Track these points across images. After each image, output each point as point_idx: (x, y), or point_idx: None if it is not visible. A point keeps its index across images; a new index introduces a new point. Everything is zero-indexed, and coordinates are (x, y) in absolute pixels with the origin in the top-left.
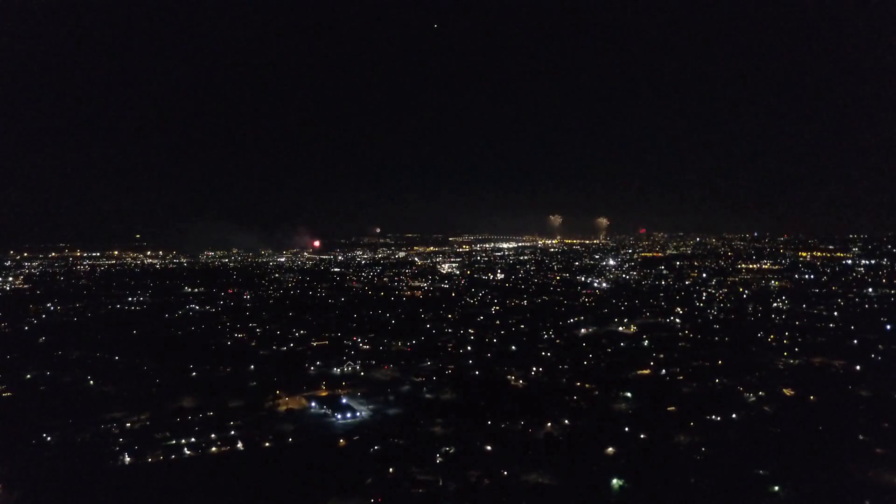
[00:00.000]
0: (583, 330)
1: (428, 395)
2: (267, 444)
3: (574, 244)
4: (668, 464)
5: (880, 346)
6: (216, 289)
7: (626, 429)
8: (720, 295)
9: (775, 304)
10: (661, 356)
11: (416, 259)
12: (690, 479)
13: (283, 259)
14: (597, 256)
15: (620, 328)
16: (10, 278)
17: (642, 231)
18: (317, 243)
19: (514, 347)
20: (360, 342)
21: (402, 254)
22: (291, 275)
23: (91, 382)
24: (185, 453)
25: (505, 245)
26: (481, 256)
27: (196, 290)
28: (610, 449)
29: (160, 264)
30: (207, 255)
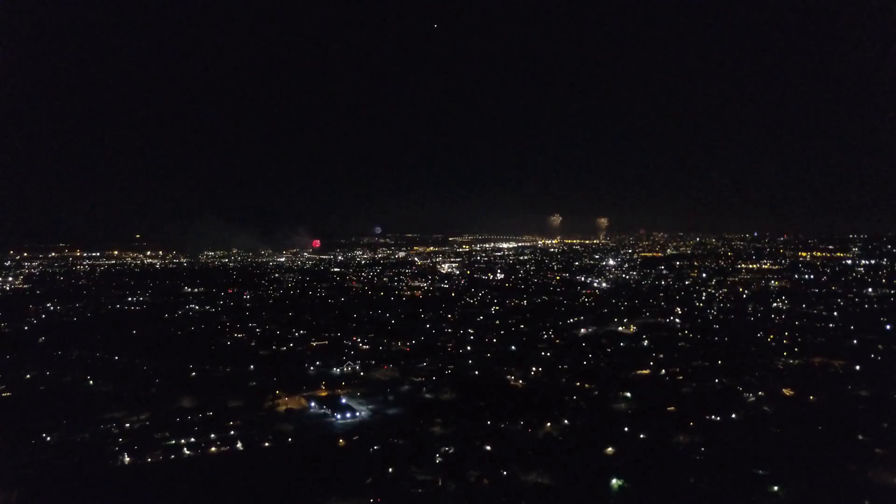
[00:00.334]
0: (582, 330)
1: (427, 395)
2: (266, 444)
3: (574, 244)
4: (667, 464)
5: (880, 346)
6: (216, 289)
7: (626, 429)
8: (720, 295)
9: (775, 304)
10: (661, 356)
11: (416, 259)
12: (690, 479)
13: (283, 259)
14: (597, 256)
15: (620, 328)
16: (10, 278)
17: (642, 231)
18: (317, 243)
19: (513, 347)
20: (359, 342)
21: (402, 254)
22: (291, 275)
23: (91, 382)
24: (184, 453)
25: (505, 245)
26: (481, 256)
27: (196, 290)
28: (609, 449)
29: (160, 264)
30: (207, 255)
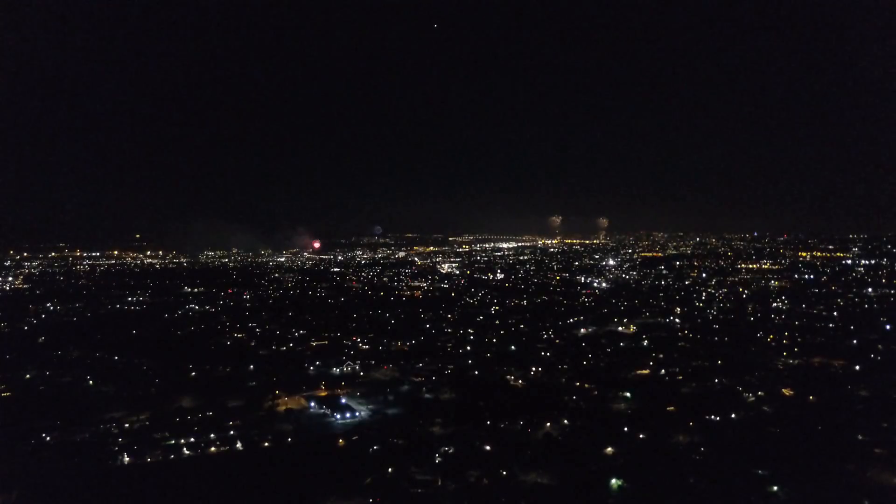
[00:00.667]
0: (582, 330)
1: (427, 395)
2: (266, 444)
3: (574, 244)
4: (667, 464)
5: (880, 346)
6: (216, 289)
7: (626, 429)
8: (720, 295)
9: (775, 304)
10: (661, 356)
11: (416, 259)
12: (689, 479)
13: (282, 259)
14: (597, 256)
15: (620, 328)
16: (10, 278)
17: (642, 231)
18: (317, 243)
19: (513, 347)
20: (359, 342)
21: (402, 254)
22: (291, 275)
23: (90, 382)
24: (184, 453)
25: (505, 245)
26: (481, 256)
27: (196, 290)
28: (609, 449)
29: (160, 264)
30: (207, 255)
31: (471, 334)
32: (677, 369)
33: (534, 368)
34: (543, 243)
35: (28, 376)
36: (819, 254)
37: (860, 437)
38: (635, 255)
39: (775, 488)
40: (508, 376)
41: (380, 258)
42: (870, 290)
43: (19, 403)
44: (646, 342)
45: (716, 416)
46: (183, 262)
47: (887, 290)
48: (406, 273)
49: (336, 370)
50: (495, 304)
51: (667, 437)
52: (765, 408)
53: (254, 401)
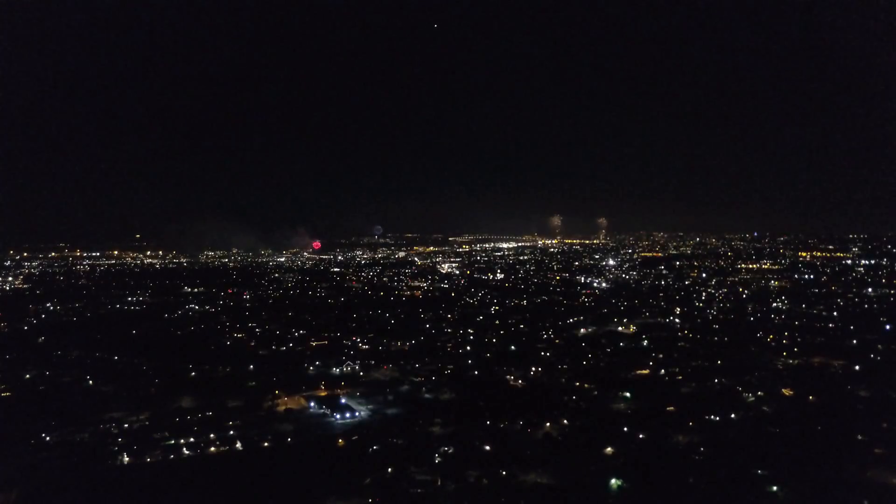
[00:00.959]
0: (582, 330)
1: (427, 395)
2: (266, 444)
3: (574, 244)
4: (666, 464)
5: (880, 346)
6: (216, 289)
7: (625, 429)
8: (720, 295)
9: (775, 304)
10: (661, 356)
11: (416, 259)
12: (689, 479)
13: (282, 259)
14: (597, 256)
15: (620, 328)
16: (10, 278)
17: (642, 231)
18: (317, 244)
19: (513, 347)
20: (359, 342)
21: (402, 254)
22: (291, 275)
23: (90, 382)
24: (183, 453)
25: (505, 245)
26: (481, 256)
27: (196, 290)
28: (609, 449)
29: (160, 264)
30: (207, 255)
31: (471, 334)
32: (677, 369)
33: (534, 368)
34: (543, 243)
35: (28, 376)
36: (819, 254)
37: (860, 437)
38: (635, 255)
39: (775, 488)
40: (508, 376)
41: (380, 258)
42: (870, 290)
43: (19, 403)
44: (646, 342)
45: (715, 416)
46: (183, 262)
47: (887, 290)
48: (406, 273)
49: (336, 370)
50: (495, 304)
51: (666, 437)
52: (764, 408)
53: (253, 401)
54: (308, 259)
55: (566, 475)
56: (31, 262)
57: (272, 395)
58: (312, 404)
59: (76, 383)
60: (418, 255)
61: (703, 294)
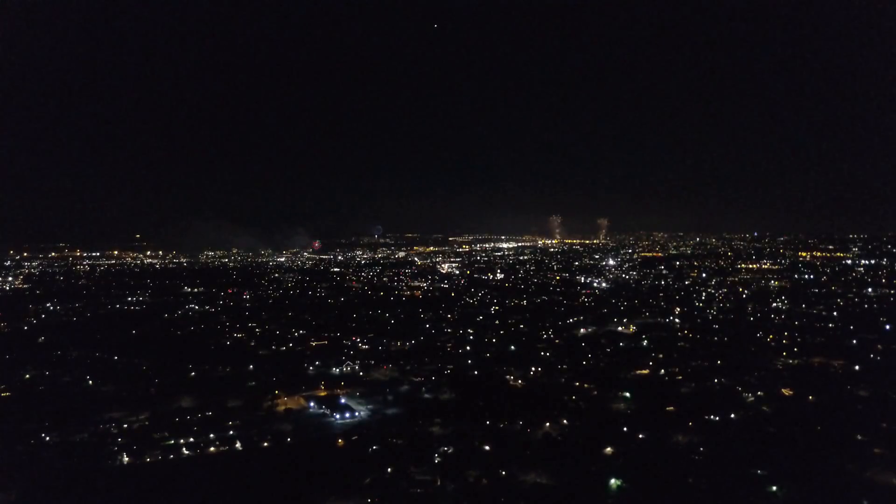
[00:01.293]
0: (582, 330)
1: (427, 395)
2: (265, 444)
3: (574, 244)
4: (666, 464)
5: (880, 346)
6: (216, 289)
7: (625, 429)
8: (720, 295)
9: (775, 304)
10: (660, 356)
11: (416, 259)
12: (689, 479)
13: (282, 259)
14: (597, 256)
15: (620, 328)
16: (10, 278)
17: (642, 231)
18: (317, 244)
19: (513, 347)
20: (359, 342)
21: (402, 254)
22: (291, 275)
23: (90, 382)
24: (183, 453)
25: (505, 245)
26: (481, 256)
27: (196, 290)
28: (608, 449)
29: (160, 264)
30: (207, 255)
31: (471, 334)
32: (677, 369)
33: (533, 368)
34: (543, 243)
35: (28, 376)
36: (819, 254)
37: (859, 437)
38: (635, 255)
39: (774, 488)
40: (508, 376)
41: (380, 258)
42: (870, 290)
43: (19, 403)
44: (645, 342)
45: (715, 416)
46: (183, 262)
47: (887, 290)
48: (406, 273)
49: (336, 370)
50: (495, 304)
51: (666, 437)
52: (764, 408)
53: (253, 401)
54: (308, 259)
55: (566, 475)
56: (31, 262)
57: (272, 395)
58: (312, 404)
59: (76, 383)
60: (418, 255)
61: (703, 294)
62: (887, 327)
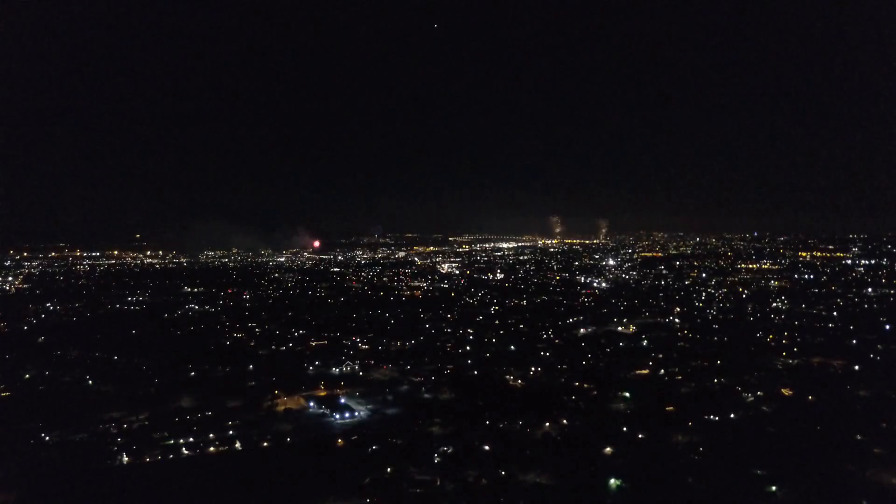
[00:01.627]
0: (582, 330)
1: (426, 395)
2: (265, 444)
3: (574, 244)
4: (665, 464)
5: (879, 346)
6: (216, 289)
7: (625, 428)
8: (719, 295)
9: (775, 304)
10: (660, 356)
11: (416, 259)
12: (688, 479)
13: (282, 259)
14: (596, 256)
15: (619, 328)
16: (10, 278)
17: (642, 231)
18: (317, 243)
19: (513, 347)
20: (359, 342)
21: (401, 254)
22: (291, 275)
23: (90, 382)
24: (183, 453)
25: (505, 245)
26: (481, 256)
27: (195, 290)
28: (608, 449)
29: (160, 264)
30: (207, 255)
31: (470, 334)
32: (676, 369)
33: (533, 368)
34: (543, 243)
35: (28, 376)
36: (819, 254)
37: (859, 437)
38: (635, 255)
39: (774, 488)
40: (508, 376)
41: (380, 258)
42: (870, 290)
43: (19, 403)
44: (645, 342)
45: (715, 415)
46: (183, 262)
47: (887, 290)
48: (406, 273)
49: (335, 370)
50: (495, 304)
51: (666, 437)
52: (764, 408)
53: (253, 401)
54: (308, 259)
55: (565, 475)
56: (31, 262)
57: (272, 394)
58: (312, 404)
59: (76, 383)
60: (418, 255)
61: (703, 294)
62: (887, 327)
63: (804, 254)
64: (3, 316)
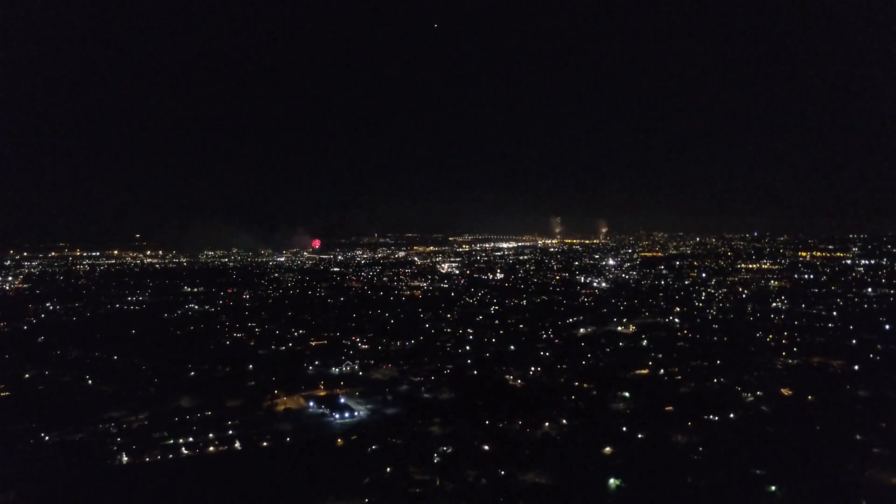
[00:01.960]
0: (582, 330)
1: (426, 395)
2: (265, 444)
3: (574, 244)
4: (665, 463)
5: (879, 346)
6: (216, 289)
7: (624, 428)
8: (719, 295)
9: (775, 304)
10: (660, 356)
11: (415, 259)
12: (688, 479)
13: (282, 259)
14: (596, 256)
15: (619, 328)
16: (10, 278)
17: (642, 231)
18: (317, 243)
19: (512, 347)
20: (358, 342)
21: (401, 254)
22: (291, 275)
23: (89, 382)
24: (182, 453)
25: (505, 245)
26: (481, 256)
27: (195, 289)
28: (607, 448)
29: (160, 264)
30: (207, 255)
31: (470, 334)
32: (676, 369)
33: (533, 368)
34: (543, 243)
35: (27, 376)
36: (819, 254)
37: (858, 436)
38: (635, 255)
39: (773, 488)
40: (507, 376)
41: (380, 258)
42: (870, 290)
43: (19, 403)
44: (645, 342)
45: (714, 415)
46: (183, 262)
47: (887, 290)
48: (406, 273)
49: (335, 370)
50: (495, 304)
51: (665, 437)
52: (763, 408)
53: (253, 400)
54: (308, 259)
55: (565, 475)
56: (31, 262)
57: (271, 394)
58: (311, 404)
59: (75, 383)
60: (418, 255)
61: (703, 294)
62: (887, 327)
63: (804, 254)
64: (3, 316)
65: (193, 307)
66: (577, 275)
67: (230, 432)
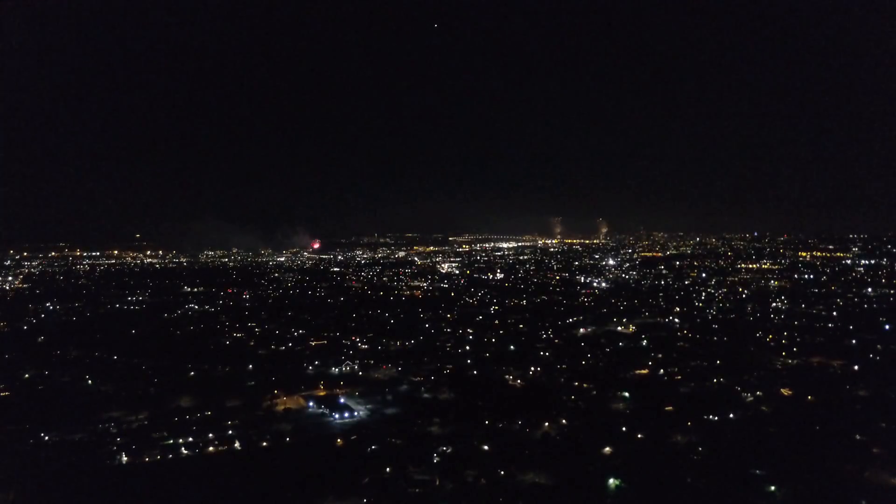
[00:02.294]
0: (581, 330)
1: (426, 395)
2: (264, 444)
3: (574, 244)
4: (665, 464)
5: (879, 346)
6: (215, 289)
7: (624, 428)
8: (719, 295)
9: (775, 304)
10: (660, 356)
11: (415, 259)
12: (687, 479)
13: (282, 259)
14: (596, 256)
15: (619, 328)
16: (10, 278)
17: (642, 231)
18: (317, 243)
19: (512, 347)
20: (358, 342)
21: (401, 253)
22: (291, 275)
23: (89, 382)
24: (182, 453)
25: (505, 245)
26: (481, 256)
27: (195, 289)
28: (607, 449)
29: (160, 264)
30: (207, 255)
31: (470, 334)
32: (676, 369)
33: (533, 368)
34: (543, 243)
35: (27, 376)
36: (819, 254)
37: (858, 437)
38: (635, 255)
39: (773, 488)
40: (507, 376)
41: (380, 258)
42: (870, 290)
43: (18, 403)
44: (645, 342)
45: (714, 415)
46: (183, 262)
47: (887, 290)
48: (406, 273)
49: (335, 370)
50: (495, 304)
51: (665, 437)
52: (763, 408)
53: (252, 400)
54: (308, 259)
55: (565, 475)
56: (31, 262)
57: (271, 394)
58: (311, 404)
59: (75, 383)
60: (418, 255)
61: (703, 294)
62: (887, 327)
63: (804, 254)
64: (3, 316)
65: (193, 307)
66: (577, 275)
67: (230, 432)
